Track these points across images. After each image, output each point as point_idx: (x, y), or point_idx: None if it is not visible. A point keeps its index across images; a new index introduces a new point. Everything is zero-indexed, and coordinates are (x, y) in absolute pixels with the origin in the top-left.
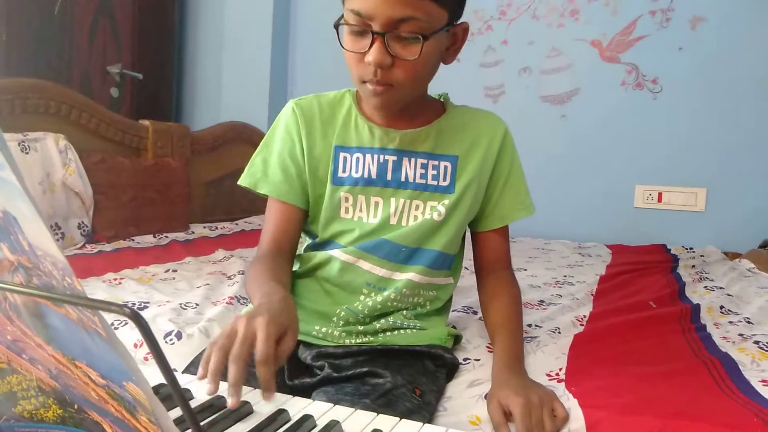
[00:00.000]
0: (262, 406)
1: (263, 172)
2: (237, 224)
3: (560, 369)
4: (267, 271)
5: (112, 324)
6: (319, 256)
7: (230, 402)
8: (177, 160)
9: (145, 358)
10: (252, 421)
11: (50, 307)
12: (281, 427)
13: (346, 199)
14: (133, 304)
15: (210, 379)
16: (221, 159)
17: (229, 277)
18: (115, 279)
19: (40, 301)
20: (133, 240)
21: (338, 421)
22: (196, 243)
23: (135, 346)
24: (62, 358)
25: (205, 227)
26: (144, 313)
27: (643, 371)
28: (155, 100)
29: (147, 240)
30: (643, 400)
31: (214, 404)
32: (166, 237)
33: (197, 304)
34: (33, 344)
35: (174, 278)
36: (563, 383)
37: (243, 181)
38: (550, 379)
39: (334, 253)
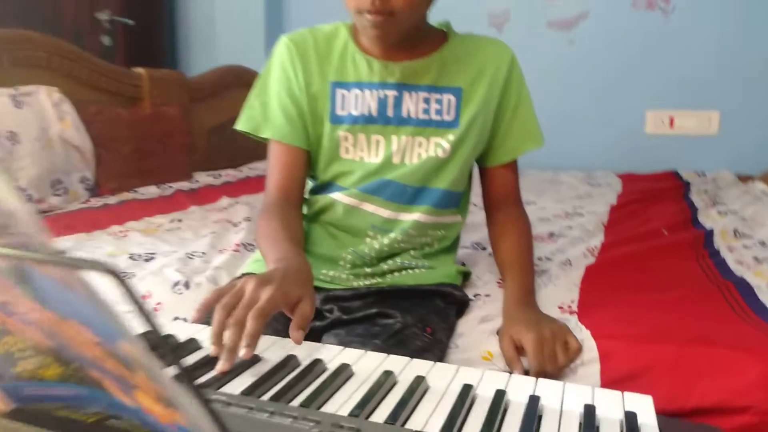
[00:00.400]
0: (272, 352)
1: (263, 115)
2: (241, 171)
3: (572, 301)
4: (280, 227)
5: None
6: (322, 200)
7: (220, 366)
8: (175, 108)
9: (155, 309)
10: (262, 368)
11: (34, 268)
12: (291, 372)
13: (346, 139)
14: (140, 256)
15: (225, 357)
16: (221, 105)
17: (235, 225)
18: (121, 231)
19: (24, 261)
20: (137, 192)
21: (349, 364)
22: (201, 192)
23: (144, 297)
24: (54, 318)
25: (209, 175)
26: (151, 265)
27: (657, 299)
28: (149, 47)
29: (151, 191)
30: (657, 329)
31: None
32: (170, 187)
33: (204, 253)
34: (23, 305)
35: (179, 228)
36: (575, 315)
37: (241, 125)
38: (562, 312)
39: (337, 196)
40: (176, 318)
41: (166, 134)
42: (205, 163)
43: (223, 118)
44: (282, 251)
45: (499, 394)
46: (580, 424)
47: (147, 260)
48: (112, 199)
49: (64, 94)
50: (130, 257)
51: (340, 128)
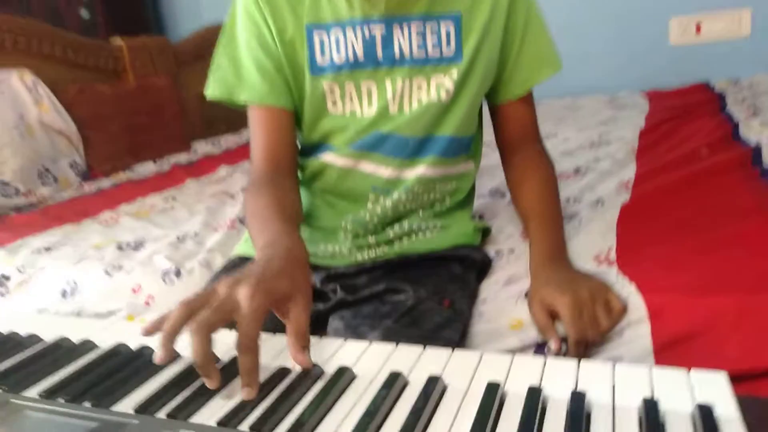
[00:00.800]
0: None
1: (235, 75)
2: (242, 134)
3: (609, 249)
4: (270, 204)
5: (107, 271)
6: (312, 164)
7: (210, 384)
8: (162, 78)
9: (146, 303)
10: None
11: None
12: (279, 383)
13: (332, 91)
14: (128, 244)
15: (160, 343)
16: None
17: (232, 196)
18: (112, 217)
19: None
20: (132, 170)
21: (348, 367)
22: (199, 163)
23: (133, 291)
24: None
25: (208, 143)
26: (140, 253)
27: (709, 238)
28: (131, 15)
29: (148, 168)
30: (713, 275)
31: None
32: (168, 161)
33: (196, 234)
34: None
35: (173, 207)
36: (615, 266)
37: (212, 91)
38: (599, 264)
39: (328, 158)
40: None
41: (155, 107)
42: (203, 130)
43: None
44: (269, 234)
45: (534, 395)
46: (640, 423)
47: (135, 248)
48: (106, 182)
49: (37, 76)
50: (118, 247)
51: (323, 79)
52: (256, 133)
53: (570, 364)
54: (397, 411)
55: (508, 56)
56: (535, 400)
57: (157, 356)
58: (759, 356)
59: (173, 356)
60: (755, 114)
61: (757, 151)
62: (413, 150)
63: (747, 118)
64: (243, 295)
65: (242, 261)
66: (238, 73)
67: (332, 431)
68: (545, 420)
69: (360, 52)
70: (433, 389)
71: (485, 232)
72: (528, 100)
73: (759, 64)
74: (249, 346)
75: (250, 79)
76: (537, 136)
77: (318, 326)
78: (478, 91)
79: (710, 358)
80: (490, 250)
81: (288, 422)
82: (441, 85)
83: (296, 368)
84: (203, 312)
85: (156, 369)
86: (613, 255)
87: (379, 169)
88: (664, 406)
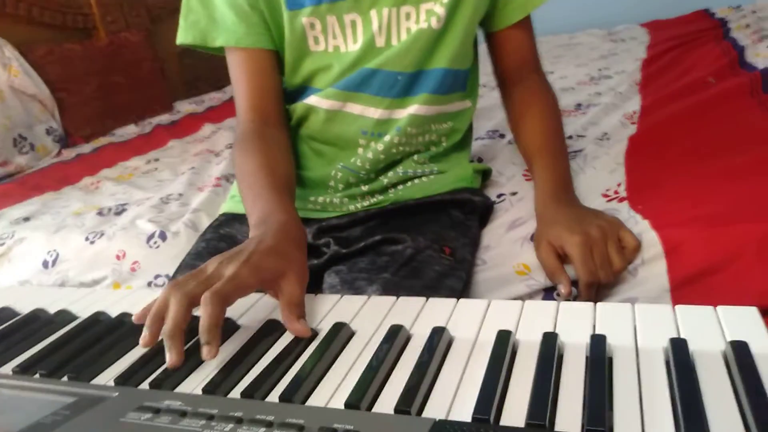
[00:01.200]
0: (250, 319)
1: (208, 17)
2: (225, 92)
3: (618, 185)
4: (261, 167)
5: (87, 238)
6: (296, 109)
7: (169, 359)
8: (135, 33)
9: (132, 269)
10: (240, 338)
11: None
12: (270, 346)
13: (312, 26)
14: (109, 209)
15: (146, 324)
16: None
17: (217, 154)
18: (92, 183)
19: None
20: (114, 134)
21: (345, 323)
22: (182, 123)
23: (117, 257)
24: None
25: (191, 103)
26: (122, 218)
27: (724, 167)
28: None
29: (129, 131)
30: (732, 205)
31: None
32: (150, 123)
33: (180, 194)
34: None
35: (156, 169)
36: (626, 202)
37: (183, 37)
38: (608, 200)
39: (313, 100)
40: (157, 276)
41: (130, 64)
42: (185, 90)
43: None
44: (262, 208)
45: (550, 341)
46: (668, 366)
47: (118, 213)
48: (86, 148)
49: (3, 38)
50: (99, 213)
51: (301, 13)
52: (238, 81)
53: (585, 306)
54: (402, 365)
55: None
56: (551, 345)
57: (142, 339)
58: None
59: (158, 339)
60: (761, 39)
61: (765, 74)
62: (404, 87)
63: (753, 44)
64: (229, 270)
65: (229, 219)
66: (212, 15)
67: (331, 391)
68: (563, 366)
69: None
70: (439, 341)
71: (485, 175)
72: (526, 25)
73: None
74: (214, 300)
75: (224, 20)
76: (538, 65)
77: (312, 284)
78: (472, 17)
79: (733, 293)
80: (492, 193)
81: (282, 386)
82: (431, 11)
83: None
84: (189, 283)
85: (136, 339)
86: (623, 191)
87: (367, 110)
88: (693, 345)
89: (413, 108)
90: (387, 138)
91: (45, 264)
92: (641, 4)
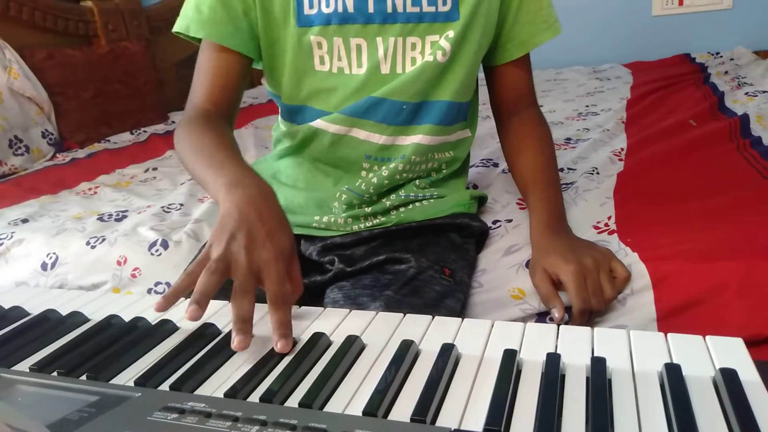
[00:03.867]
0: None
1: (196, 8)
2: None
3: (608, 217)
4: (220, 140)
5: (88, 242)
6: (303, 130)
7: (235, 343)
8: (135, 43)
9: (132, 275)
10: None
11: None
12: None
13: (319, 45)
14: (110, 215)
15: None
16: None
17: None
18: (90, 189)
19: None
20: (108, 141)
21: (357, 336)
22: None
23: (118, 263)
24: None
25: None
26: (122, 225)
27: (707, 205)
28: None
29: (124, 138)
30: (715, 241)
31: (205, 333)
32: (145, 131)
33: (181, 205)
34: None
35: (155, 177)
36: (615, 234)
37: (177, 26)
38: (599, 232)
39: (319, 124)
40: (157, 283)
41: (128, 73)
42: (180, 101)
43: (192, 48)
44: (231, 172)
45: (553, 361)
46: (663, 388)
47: (118, 219)
48: (81, 153)
49: (5, 40)
50: (99, 218)
51: (310, 32)
52: (205, 73)
53: (584, 331)
54: (413, 378)
55: (507, 14)
56: (555, 365)
57: (157, 303)
58: (763, 323)
59: (170, 308)
60: (739, 86)
61: (744, 120)
62: (408, 116)
63: (732, 90)
64: (265, 259)
65: None
66: (199, 8)
67: (347, 400)
68: (565, 385)
69: (349, 4)
70: (449, 357)
71: (481, 201)
72: (526, 62)
73: (739, 38)
74: (285, 301)
75: (212, 16)
76: (534, 100)
77: (315, 298)
78: (477, 52)
79: (714, 325)
80: (487, 220)
81: (300, 393)
82: (436, 44)
83: (303, 338)
84: (237, 275)
85: (153, 341)
86: (612, 224)
87: (372, 136)
88: (684, 371)
89: (418, 138)
90: (391, 164)
91: (44, 266)
92: (623, 46)
